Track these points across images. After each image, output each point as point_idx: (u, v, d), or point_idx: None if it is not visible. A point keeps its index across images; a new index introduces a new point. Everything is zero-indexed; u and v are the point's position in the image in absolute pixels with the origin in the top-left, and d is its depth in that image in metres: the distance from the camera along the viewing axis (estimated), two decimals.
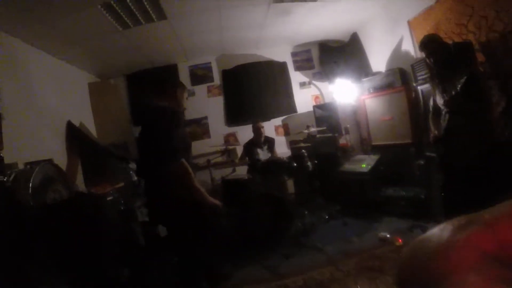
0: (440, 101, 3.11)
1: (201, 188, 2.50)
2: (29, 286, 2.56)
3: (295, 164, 4.37)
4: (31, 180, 2.94)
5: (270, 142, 5.44)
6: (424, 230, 3.31)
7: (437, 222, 0.39)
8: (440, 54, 3.02)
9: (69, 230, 2.91)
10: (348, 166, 5.00)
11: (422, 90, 4.27)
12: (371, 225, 4.12)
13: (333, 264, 3.29)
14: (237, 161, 5.69)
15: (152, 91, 2.81)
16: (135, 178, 4.54)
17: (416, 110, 4.51)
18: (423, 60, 4.15)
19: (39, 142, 3.98)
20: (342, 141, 5.78)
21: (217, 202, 2.58)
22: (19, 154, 3.46)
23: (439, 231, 0.36)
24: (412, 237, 2.75)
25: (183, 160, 2.41)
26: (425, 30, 4.02)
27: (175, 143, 2.41)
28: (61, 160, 4.30)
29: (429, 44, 3.05)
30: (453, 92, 2.83)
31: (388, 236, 3.59)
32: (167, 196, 2.48)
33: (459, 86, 2.78)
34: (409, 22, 4.54)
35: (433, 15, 4.06)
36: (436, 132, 3.20)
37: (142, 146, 2.81)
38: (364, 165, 4.73)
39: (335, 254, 3.53)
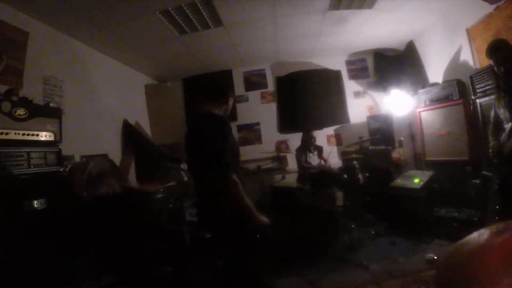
0: (505, 114, 2.87)
1: (250, 204, 2.39)
2: (75, 276, 2.77)
3: (345, 176, 4.30)
4: (86, 172, 3.19)
5: (318, 149, 5.44)
6: None
7: None
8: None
9: (118, 224, 3.12)
10: (399, 182, 4.81)
11: (481, 104, 3.99)
12: (420, 246, 3.93)
13: (376, 283, 3.22)
14: (287, 168, 5.72)
15: (205, 97, 2.76)
16: (186, 178, 4.67)
17: (474, 126, 4.21)
18: (482, 71, 3.90)
19: (96, 138, 4.34)
20: (395, 154, 5.57)
21: (266, 220, 2.54)
22: (76, 148, 3.80)
23: (477, 236, 0.39)
24: None
25: (234, 175, 2.33)
26: (485, 39, 3.77)
27: (226, 155, 2.34)
28: (116, 156, 4.65)
29: (500, 50, 2.76)
30: None
31: (435, 258, 3.42)
32: (218, 207, 2.52)
33: None
34: (467, 31, 4.28)
35: (493, 23, 3.80)
36: (495, 142, 2.94)
37: (193, 153, 2.72)
38: (417, 181, 4.53)
39: (379, 273, 3.43)
